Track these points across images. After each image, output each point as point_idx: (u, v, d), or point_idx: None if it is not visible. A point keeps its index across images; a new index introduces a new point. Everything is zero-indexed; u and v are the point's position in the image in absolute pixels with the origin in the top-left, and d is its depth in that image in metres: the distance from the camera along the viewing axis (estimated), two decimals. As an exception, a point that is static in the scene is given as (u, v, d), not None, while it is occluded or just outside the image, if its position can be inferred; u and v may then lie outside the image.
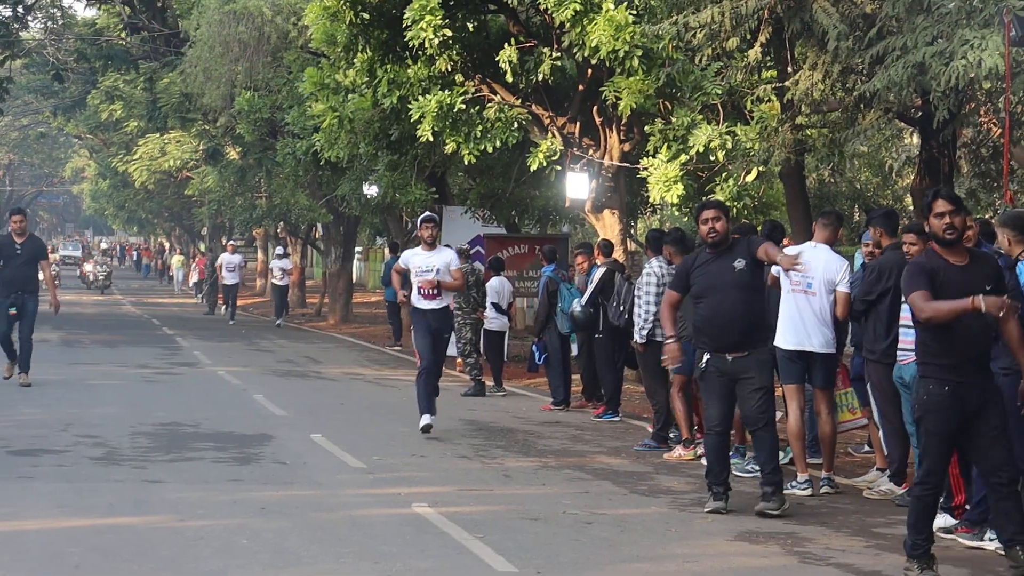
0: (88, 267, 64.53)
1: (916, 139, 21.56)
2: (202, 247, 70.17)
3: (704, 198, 19.61)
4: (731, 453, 13.97)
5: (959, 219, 8.80)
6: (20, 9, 40.78)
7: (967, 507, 10.51)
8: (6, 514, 10.39)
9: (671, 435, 15.15)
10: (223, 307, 41.19)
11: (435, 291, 15.59)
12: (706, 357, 11.42)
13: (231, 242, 43.25)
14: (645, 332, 15.24)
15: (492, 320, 21.34)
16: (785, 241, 13.99)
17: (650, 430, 15.87)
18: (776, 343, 12.38)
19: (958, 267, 8.81)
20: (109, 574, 8.68)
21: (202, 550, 9.39)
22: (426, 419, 15.49)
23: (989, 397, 8.84)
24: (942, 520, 10.52)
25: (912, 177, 19.21)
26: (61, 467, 12.72)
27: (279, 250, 40.83)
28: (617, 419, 17.68)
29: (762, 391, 11.28)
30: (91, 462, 13.04)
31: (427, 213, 16.25)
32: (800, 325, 12.33)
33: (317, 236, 49.95)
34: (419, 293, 15.64)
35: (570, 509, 11.32)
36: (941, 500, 10.67)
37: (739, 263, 11.31)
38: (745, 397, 11.36)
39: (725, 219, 11.41)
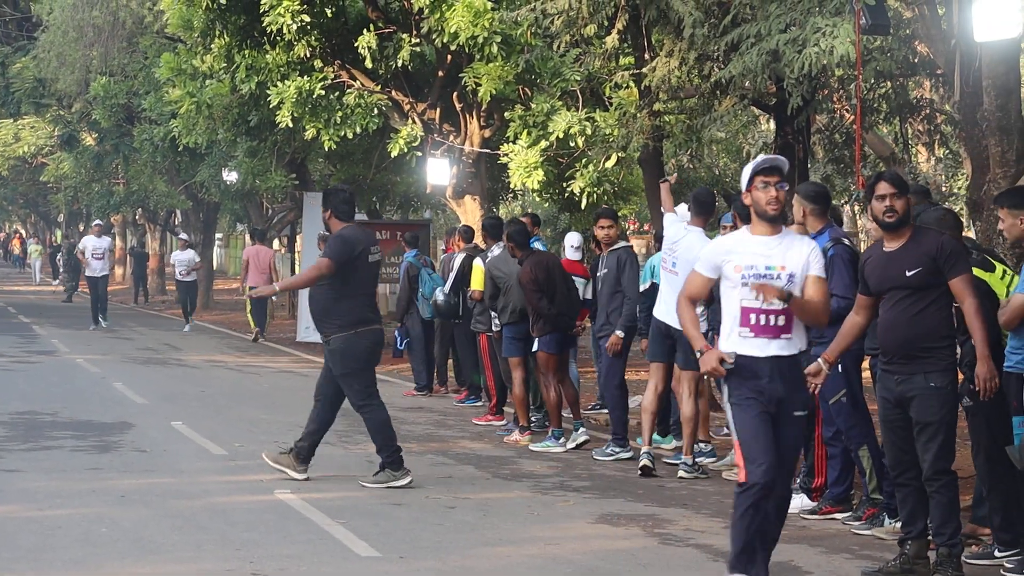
0: None
1: (772, 125, 21.87)
2: (59, 234, 69.22)
3: (564, 184, 19.82)
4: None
5: (901, 202, 8.37)
6: None
7: (827, 488, 10.73)
8: None
9: (532, 421, 15.24)
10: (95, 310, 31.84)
11: None
12: None
13: (97, 223, 34.40)
14: (497, 321, 15.38)
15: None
16: (639, 225, 14.17)
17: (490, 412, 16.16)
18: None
19: (886, 253, 8.49)
20: (-34, 566, 8.58)
21: (61, 539, 9.30)
22: None
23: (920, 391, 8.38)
24: (799, 501, 10.74)
25: (768, 162, 19.48)
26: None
27: (182, 236, 35.91)
28: (480, 404, 17.76)
29: None
30: (-54, 453, 12.84)
31: None
32: (666, 302, 12.44)
33: (176, 223, 49.44)
34: None
35: (433, 494, 11.38)
36: (799, 480, 10.91)
37: None
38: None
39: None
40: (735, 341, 7.83)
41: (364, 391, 11.74)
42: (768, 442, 7.70)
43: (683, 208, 12.86)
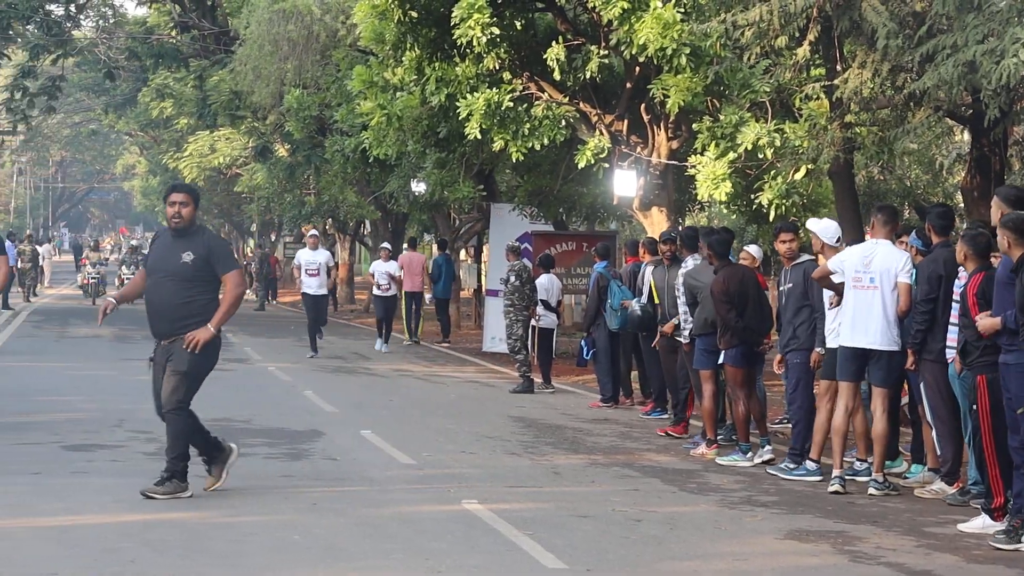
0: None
1: (967, 136, 21.44)
2: (251, 243, 70.48)
3: (752, 196, 19.65)
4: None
5: None
6: (73, 8, 41.12)
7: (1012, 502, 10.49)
8: (62, 508, 10.52)
9: (719, 435, 15.13)
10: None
11: None
12: None
13: (312, 234, 29.74)
14: (687, 333, 15.32)
15: (542, 317, 21.39)
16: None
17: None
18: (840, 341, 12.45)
19: None
20: (163, 569, 8.78)
21: (254, 545, 9.49)
22: None
23: None
24: (981, 522, 10.52)
25: (963, 175, 19.13)
26: (115, 462, 12.87)
27: (385, 246, 31.19)
28: (666, 416, 17.69)
29: None
30: (144, 457, 13.15)
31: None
32: (860, 322, 12.30)
33: (365, 233, 50.10)
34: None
35: (619, 507, 11.36)
36: (983, 501, 10.70)
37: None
38: None
39: None
40: None
41: (190, 395, 11.31)
42: None
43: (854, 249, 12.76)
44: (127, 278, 43.29)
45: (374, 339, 29.47)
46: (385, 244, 31.29)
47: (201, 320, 11.12)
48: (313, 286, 26.35)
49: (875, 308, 12.22)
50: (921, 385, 12.25)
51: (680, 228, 18.21)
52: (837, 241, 13.36)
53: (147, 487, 11.03)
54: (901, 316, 12.21)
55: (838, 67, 16.16)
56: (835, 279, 12.53)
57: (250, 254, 61.05)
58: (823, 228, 13.39)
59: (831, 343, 12.90)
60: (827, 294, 12.87)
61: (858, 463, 12.93)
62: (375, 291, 29.34)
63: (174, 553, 9.19)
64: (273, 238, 67.25)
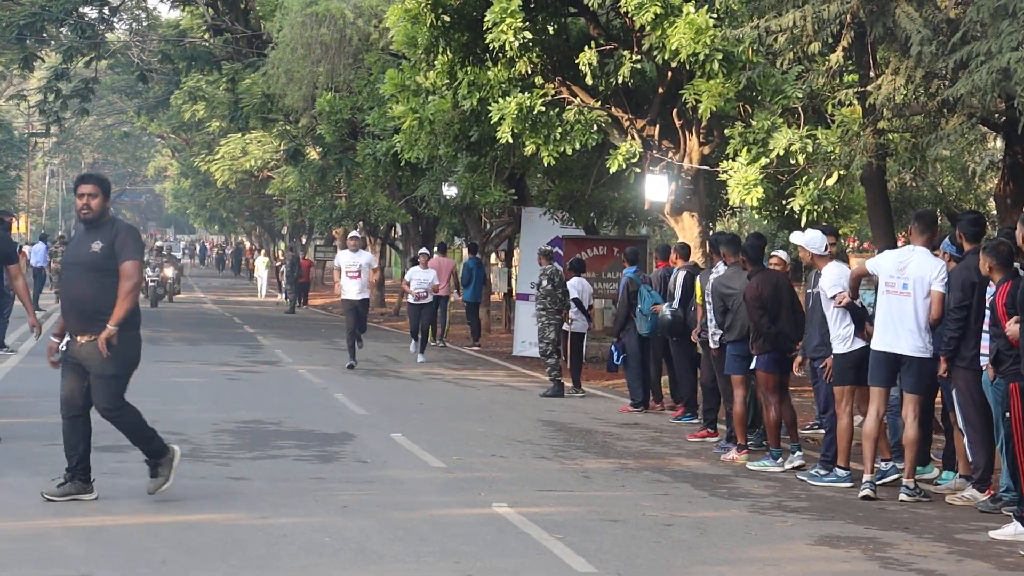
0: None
1: (1000, 143, 21.36)
2: (282, 246, 70.66)
3: (784, 201, 19.63)
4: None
5: None
6: (106, 11, 41.32)
7: None
8: (94, 509, 10.58)
9: (749, 440, 15.12)
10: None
11: None
12: None
13: (353, 235, 27.42)
14: (717, 338, 15.32)
15: (574, 321, 21.38)
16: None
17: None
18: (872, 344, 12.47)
19: None
20: (195, 569, 8.82)
21: (286, 547, 9.52)
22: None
23: None
24: (1013, 529, 10.50)
25: (996, 182, 19.06)
26: (146, 463, 12.87)
27: (424, 252, 29.39)
28: (696, 421, 17.69)
29: None
30: (176, 459, 13.21)
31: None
32: (891, 327, 12.30)
33: (396, 236, 50.22)
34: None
35: (650, 511, 11.37)
36: (1015, 508, 10.68)
37: None
38: None
39: None
40: None
41: (120, 395, 10.91)
42: None
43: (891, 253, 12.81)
44: (152, 280, 42.94)
45: (405, 342, 29.47)
46: (424, 250, 29.98)
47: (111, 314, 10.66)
48: (354, 290, 24.56)
49: (907, 314, 12.21)
50: (953, 392, 12.23)
51: (711, 233, 18.21)
52: (825, 249, 13.41)
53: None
54: (933, 325, 12.19)
55: (871, 73, 16.12)
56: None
57: (280, 256, 61.10)
58: (809, 239, 13.45)
59: (839, 349, 12.92)
60: (837, 283, 12.86)
61: (882, 463, 12.89)
62: (410, 299, 27.82)
63: (206, 554, 9.23)
64: (304, 241, 67.46)
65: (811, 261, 13.55)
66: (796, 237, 13.72)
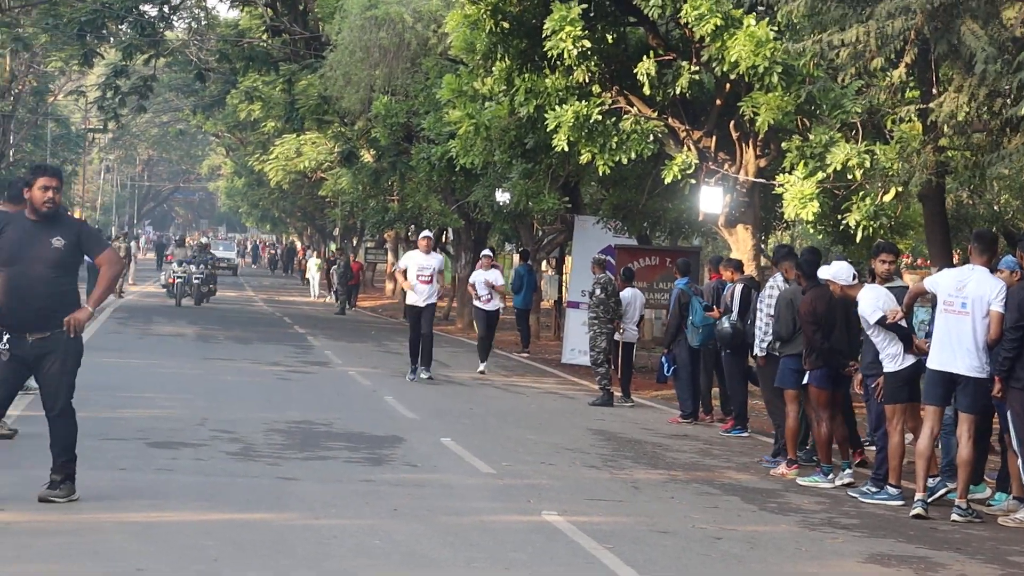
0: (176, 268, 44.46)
1: (1059, 163, 21.20)
2: (332, 247, 70.84)
3: (840, 216, 19.54)
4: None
5: None
6: (166, 9, 41.54)
7: None
8: (147, 505, 10.63)
9: (799, 455, 15.06)
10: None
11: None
12: None
13: (425, 235, 24.09)
14: (764, 346, 15.27)
15: (626, 330, 21.33)
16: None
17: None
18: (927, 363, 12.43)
19: None
20: (246, 568, 8.84)
21: (336, 549, 9.54)
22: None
23: None
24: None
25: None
26: (199, 461, 12.97)
27: (486, 253, 28.01)
28: (745, 435, 17.64)
29: None
30: (228, 457, 13.28)
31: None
32: (948, 346, 12.23)
33: (447, 241, 50.26)
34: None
35: (699, 523, 11.34)
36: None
37: None
38: None
39: None
40: None
41: (72, 393, 10.62)
42: None
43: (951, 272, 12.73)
44: (196, 277, 42.74)
45: (454, 346, 29.45)
46: (486, 251, 28.48)
47: (70, 311, 10.39)
48: (423, 295, 22.54)
49: (964, 334, 12.13)
50: (1008, 413, 12.14)
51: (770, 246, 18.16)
52: (853, 278, 13.37)
53: (43, 492, 10.42)
54: (991, 345, 12.10)
55: (934, 90, 16.04)
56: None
57: (331, 257, 61.22)
58: (836, 271, 13.43)
59: (890, 367, 12.87)
60: (876, 306, 12.81)
61: (930, 479, 12.80)
62: (476, 303, 26.49)
63: (257, 553, 9.26)
64: (355, 242, 67.61)
65: (842, 292, 13.48)
66: (824, 271, 13.68)
